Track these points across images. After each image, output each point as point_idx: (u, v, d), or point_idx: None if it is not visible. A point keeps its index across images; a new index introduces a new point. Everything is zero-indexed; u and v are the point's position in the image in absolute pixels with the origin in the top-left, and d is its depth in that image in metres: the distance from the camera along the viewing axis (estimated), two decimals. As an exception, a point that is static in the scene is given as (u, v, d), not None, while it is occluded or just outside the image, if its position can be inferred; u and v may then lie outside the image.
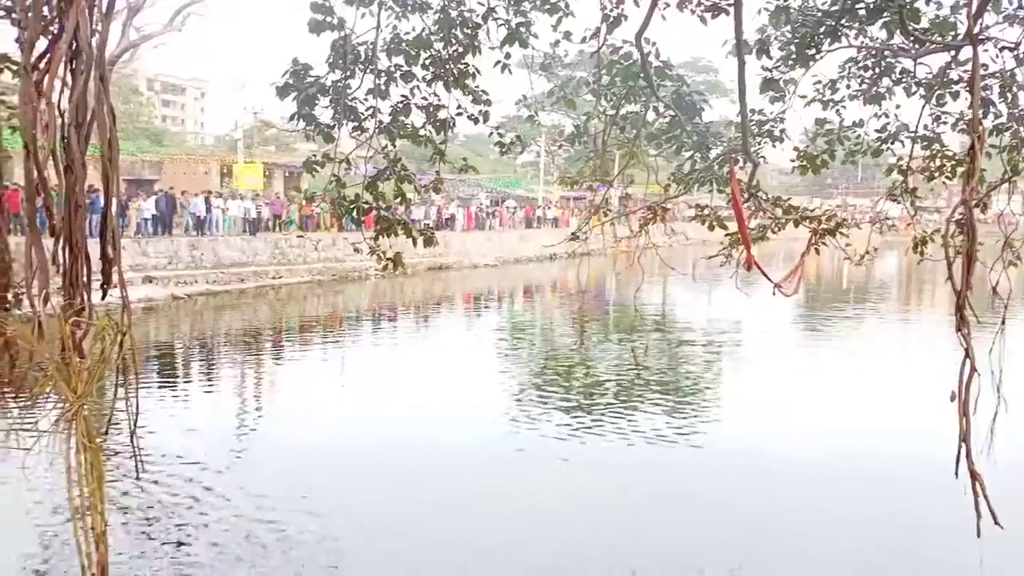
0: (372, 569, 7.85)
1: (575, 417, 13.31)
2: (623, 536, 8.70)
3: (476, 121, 7.05)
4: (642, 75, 7.36)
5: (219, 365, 18.60)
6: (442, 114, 6.97)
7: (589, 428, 12.69)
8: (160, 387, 14.99)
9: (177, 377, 16.61)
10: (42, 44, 4.26)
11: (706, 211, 8.50)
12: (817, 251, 8.09)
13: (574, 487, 10.23)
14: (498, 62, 7.06)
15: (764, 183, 9.95)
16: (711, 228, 8.38)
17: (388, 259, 7.22)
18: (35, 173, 3.43)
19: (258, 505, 9.02)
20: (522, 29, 6.79)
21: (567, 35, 7.11)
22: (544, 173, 61.25)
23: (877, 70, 8.29)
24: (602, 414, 13.51)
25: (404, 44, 6.91)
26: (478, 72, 6.93)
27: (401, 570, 7.72)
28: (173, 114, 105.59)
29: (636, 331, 23.09)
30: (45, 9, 4.21)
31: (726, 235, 8.30)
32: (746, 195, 7.65)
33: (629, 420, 13.09)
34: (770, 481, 10.35)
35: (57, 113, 4.17)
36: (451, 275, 38.94)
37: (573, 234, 8.81)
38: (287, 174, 44.92)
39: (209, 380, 16.74)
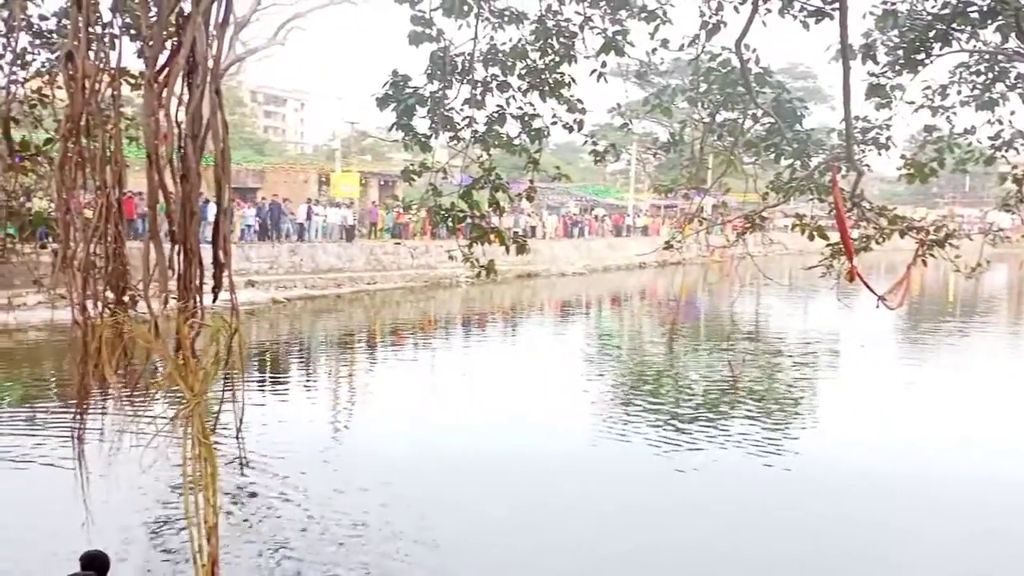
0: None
1: (664, 427, 13.13)
2: (713, 551, 8.52)
3: (571, 130, 7.07)
4: (741, 82, 7.25)
5: (316, 367, 19.17)
6: (537, 123, 7.02)
7: (679, 438, 12.49)
8: (259, 386, 15.52)
9: (276, 377, 17.17)
10: (158, 58, 4.49)
11: (805, 220, 8.28)
12: (924, 263, 7.76)
13: (663, 497, 10.10)
14: (593, 71, 7.06)
15: (865, 192, 9.61)
16: (811, 238, 8.15)
17: (481, 266, 7.31)
18: (156, 181, 3.61)
19: (350, 506, 9.21)
20: (619, 37, 6.77)
21: (664, 43, 7.05)
22: (634, 181, 60.75)
23: (990, 75, 7.93)
24: (692, 425, 13.29)
25: (500, 54, 7.00)
26: (573, 81, 6.95)
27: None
28: (274, 124, 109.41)
29: (729, 341, 22.62)
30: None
31: (827, 245, 8.06)
32: (849, 204, 7.42)
33: (720, 431, 12.83)
34: (867, 497, 9.96)
35: (174, 124, 4.38)
36: (539, 283, 39.03)
37: (667, 243, 8.72)
38: (382, 183, 45.92)
39: (306, 381, 17.26)
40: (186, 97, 4.48)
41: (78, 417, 4.42)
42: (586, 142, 7.51)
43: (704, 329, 26.57)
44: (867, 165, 8.03)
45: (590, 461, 11.53)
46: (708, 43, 7.33)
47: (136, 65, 6.69)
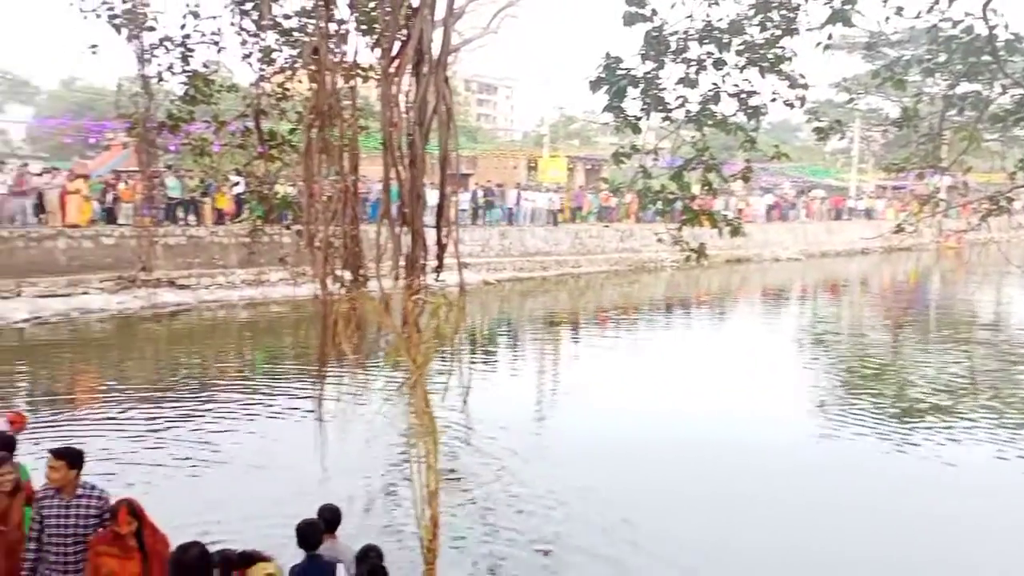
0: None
1: (888, 424, 12.26)
2: (944, 563, 7.88)
3: (791, 106, 6.73)
4: (987, 49, 6.58)
5: (523, 347, 19.72)
6: (754, 100, 6.74)
7: (904, 438, 11.63)
8: (470, 364, 16.20)
9: (486, 355, 17.84)
10: (391, 50, 4.79)
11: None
12: None
13: (889, 501, 9.41)
14: (818, 43, 6.68)
15: None
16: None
17: (691, 250, 7.16)
18: (391, 168, 3.87)
19: (554, 485, 9.37)
20: (847, 7, 6.34)
21: (899, 11, 6.53)
22: (857, 160, 56.76)
23: None
24: (919, 423, 12.31)
25: (716, 31, 6.79)
26: (795, 55, 6.60)
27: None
28: (486, 112, 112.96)
29: (965, 333, 20.67)
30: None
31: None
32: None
33: (950, 432, 11.79)
34: None
35: (404, 113, 4.67)
36: (750, 268, 37.63)
37: (898, 226, 8.09)
38: (588, 167, 46.16)
39: (513, 360, 17.80)
40: (414, 87, 4.76)
41: (318, 383, 4.86)
42: (809, 119, 7.13)
43: (936, 321, 24.46)
44: None
45: (803, 454, 11.00)
46: (949, 9, 6.70)
47: (365, 59, 7.19)
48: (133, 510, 4.87)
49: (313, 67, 4.86)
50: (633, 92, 7.15)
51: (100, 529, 5.03)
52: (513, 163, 43.11)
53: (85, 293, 20.68)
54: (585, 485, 9.31)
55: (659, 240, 7.70)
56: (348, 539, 5.49)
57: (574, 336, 21.46)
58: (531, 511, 8.67)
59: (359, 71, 6.48)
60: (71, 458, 5.03)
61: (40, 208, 21.86)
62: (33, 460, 6.36)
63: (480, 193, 33.03)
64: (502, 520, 8.46)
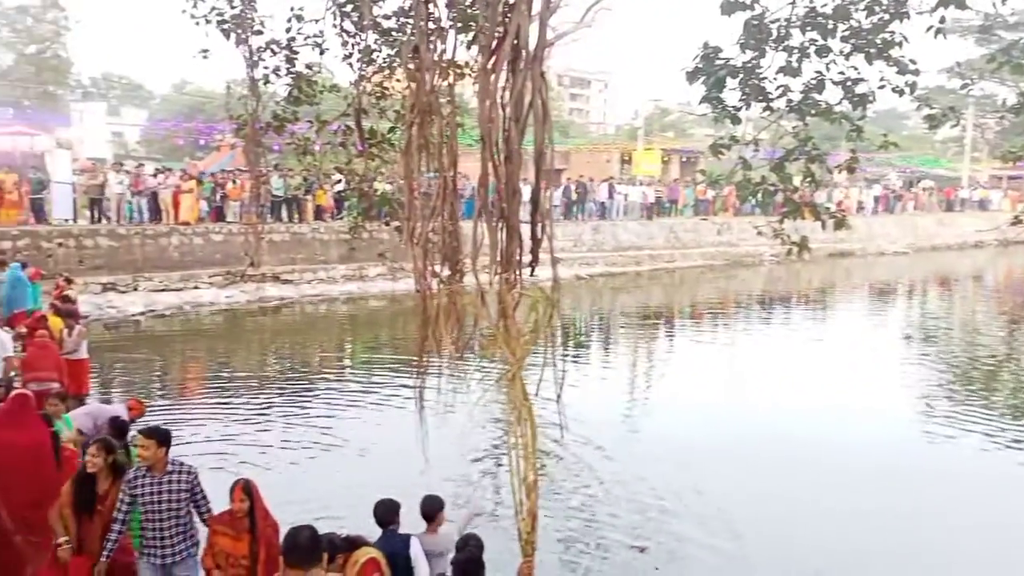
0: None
1: (1002, 426, 11.65)
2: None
3: (900, 93, 6.46)
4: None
5: (615, 342, 19.61)
6: (861, 88, 6.50)
7: (1019, 441, 11.03)
8: (565, 358, 16.21)
9: (578, 351, 17.81)
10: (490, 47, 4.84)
11: None
12: None
13: (1000, 507, 8.96)
14: (930, 27, 6.38)
15: None
16: None
17: (793, 243, 6.97)
18: (488, 164, 3.93)
19: (650, 486, 9.28)
20: (962, -12, 6.03)
21: (1019, -11, 6.17)
22: (970, 149, 53.93)
23: None
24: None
25: (820, 17, 6.57)
26: (905, 40, 6.33)
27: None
28: (579, 106, 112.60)
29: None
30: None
31: None
32: None
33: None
34: None
35: (500, 109, 4.71)
36: (854, 262, 36.29)
37: (1016, 218, 7.64)
38: (683, 159, 45.44)
39: (605, 356, 17.71)
40: (510, 83, 4.80)
41: (418, 374, 4.98)
42: (919, 107, 6.83)
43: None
44: None
45: (913, 454, 10.56)
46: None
47: (460, 57, 7.27)
48: (248, 489, 5.12)
49: (413, 66, 4.96)
50: (732, 82, 7.00)
51: (192, 504, 5.31)
52: (606, 157, 42.83)
53: (196, 287, 21.72)
54: (681, 482, 9.19)
55: (759, 233, 7.51)
56: (448, 528, 5.62)
57: (668, 332, 21.19)
58: (626, 508, 8.62)
59: (457, 69, 6.57)
60: (160, 437, 5.30)
61: (154, 207, 23.04)
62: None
63: (572, 188, 32.97)
64: (597, 516, 8.45)
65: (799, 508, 8.73)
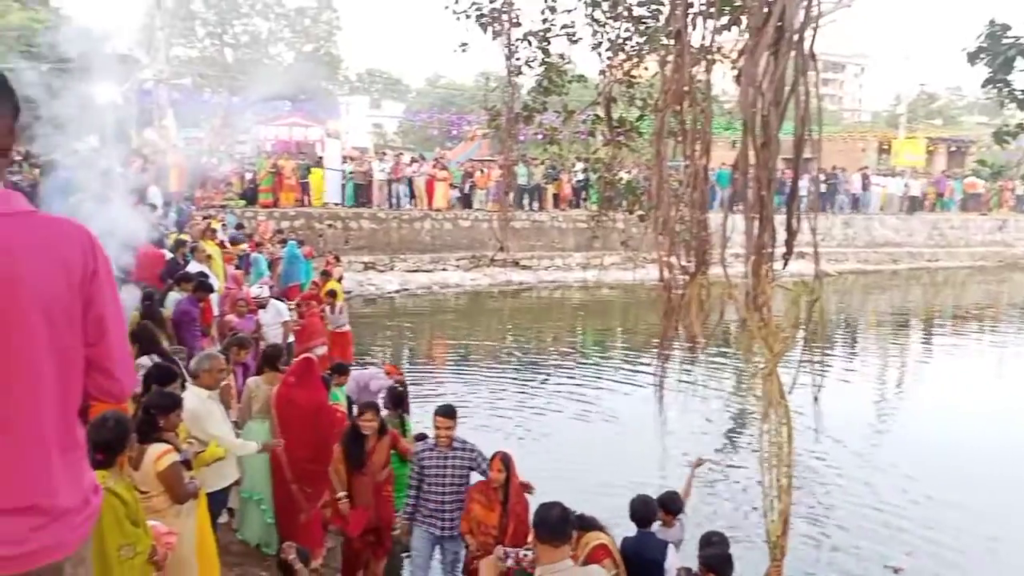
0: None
1: None
2: None
3: None
4: None
5: (862, 346, 18.26)
6: None
7: None
8: (818, 358, 15.31)
9: (826, 351, 16.77)
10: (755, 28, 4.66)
11: None
12: None
13: None
14: None
15: None
16: None
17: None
18: (749, 151, 3.79)
19: (909, 496, 8.59)
20: None
21: None
22: None
23: None
24: None
25: None
26: None
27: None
28: (830, 92, 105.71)
29: None
30: None
31: None
32: None
33: None
34: None
35: (759, 93, 4.53)
36: None
37: None
38: (952, 149, 41.24)
39: (852, 356, 16.55)
40: (771, 66, 4.60)
41: (659, 364, 4.94)
42: None
43: None
44: None
45: None
46: None
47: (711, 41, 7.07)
48: (506, 461, 5.36)
49: (668, 51, 4.90)
50: (1021, 63, 6.27)
51: (469, 479, 5.62)
52: (861, 145, 39.85)
53: (444, 270, 23.08)
54: (940, 497, 8.45)
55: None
56: (687, 522, 5.55)
57: (926, 336, 19.39)
58: (880, 520, 8.06)
59: (711, 55, 6.41)
60: (454, 415, 5.65)
61: (410, 193, 24.71)
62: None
63: (822, 178, 31.03)
64: (847, 525, 7.96)
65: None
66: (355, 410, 6.47)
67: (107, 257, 2.07)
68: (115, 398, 2.23)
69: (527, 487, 5.52)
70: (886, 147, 39.60)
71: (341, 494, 5.74)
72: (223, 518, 6.16)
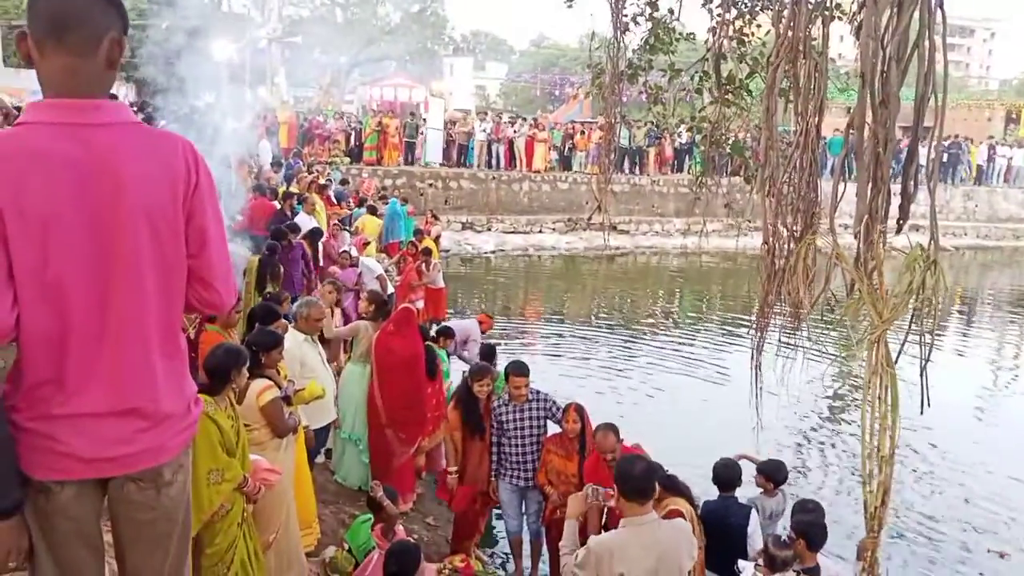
0: None
1: None
2: None
3: None
4: None
5: (977, 323, 17.35)
6: None
7: None
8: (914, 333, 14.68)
9: (937, 329, 15.99)
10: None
11: None
12: None
13: None
14: None
15: None
16: None
17: None
18: (867, 108, 3.61)
19: (1008, 480, 8.19)
20: None
21: None
22: None
23: None
24: None
25: None
26: None
27: None
28: (957, 58, 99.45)
29: None
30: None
31: None
32: None
33: None
34: None
35: (881, 48, 4.29)
36: None
37: None
38: (1091, 119, 38.27)
39: (965, 334, 15.75)
40: (894, 19, 4.34)
41: (758, 331, 4.81)
42: None
43: None
44: None
45: None
46: None
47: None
48: (580, 411, 5.41)
49: (783, 7, 4.70)
50: None
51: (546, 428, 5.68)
52: (988, 114, 37.47)
53: (540, 232, 23.07)
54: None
55: None
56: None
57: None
58: (981, 505, 7.71)
59: (830, 9, 6.11)
60: (527, 372, 5.67)
61: (510, 154, 24.72)
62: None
63: (945, 145, 29.34)
64: (946, 506, 7.66)
65: None
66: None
67: (209, 171, 2.09)
68: (215, 308, 2.24)
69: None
70: (1015, 117, 37.13)
71: (452, 468, 5.84)
72: (319, 459, 6.41)
